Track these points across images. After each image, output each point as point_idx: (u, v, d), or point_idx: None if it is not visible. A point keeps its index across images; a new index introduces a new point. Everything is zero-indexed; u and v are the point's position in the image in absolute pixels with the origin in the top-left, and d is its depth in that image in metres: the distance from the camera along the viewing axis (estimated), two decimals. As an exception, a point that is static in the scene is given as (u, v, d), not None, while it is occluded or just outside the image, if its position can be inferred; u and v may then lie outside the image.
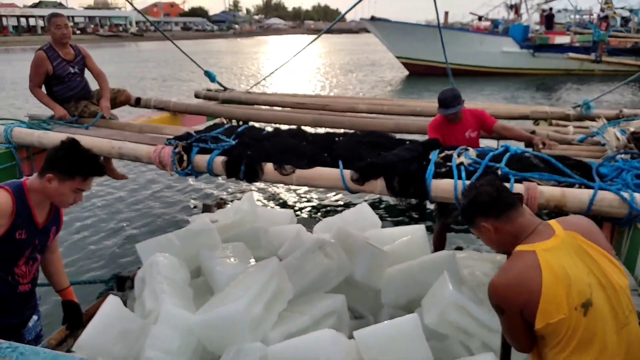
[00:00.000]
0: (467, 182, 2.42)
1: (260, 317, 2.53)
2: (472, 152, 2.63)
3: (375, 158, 2.83)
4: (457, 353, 2.74)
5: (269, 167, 2.95)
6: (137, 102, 5.69)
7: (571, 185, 2.26)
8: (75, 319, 2.60)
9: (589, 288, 1.54)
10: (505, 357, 2.03)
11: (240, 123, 5.08)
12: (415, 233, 3.83)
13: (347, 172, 2.75)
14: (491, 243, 1.77)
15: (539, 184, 2.26)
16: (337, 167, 2.82)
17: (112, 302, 2.77)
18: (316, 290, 3.11)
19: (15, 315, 2.18)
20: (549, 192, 2.22)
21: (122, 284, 3.44)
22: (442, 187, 2.51)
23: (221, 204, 4.93)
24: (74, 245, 5.06)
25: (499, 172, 2.38)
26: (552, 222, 1.70)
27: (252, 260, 3.39)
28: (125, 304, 3.40)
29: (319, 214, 6.04)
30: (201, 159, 3.13)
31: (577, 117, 4.64)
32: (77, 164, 2.06)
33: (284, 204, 6.31)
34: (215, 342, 2.55)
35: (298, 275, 3.13)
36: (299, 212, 6.09)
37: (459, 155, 2.64)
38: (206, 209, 4.69)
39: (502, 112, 4.93)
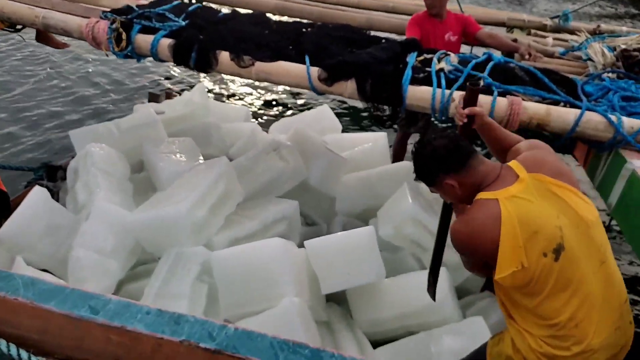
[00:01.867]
0: (447, 92, 2.17)
1: (204, 220, 2.33)
2: (453, 58, 2.34)
3: (347, 56, 2.48)
4: (408, 265, 2.69)
5: (224, 56, 2.54)
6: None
7: (556, 103, 2.06)
8: (2, 208, 2.31)
9: (560, 231, 1.43)
10: (435, 268, 1.97)
11: (193, 1, 4.47)
12: (377, 141, 3.64)
13: (315, 70, 2.40)
14: (456, 199, 1.62)
15: (522, 100, 2.04)
16: (303, 62, 2.46)
17: (39, 193, 2.47)
18: (268, 194, 2.92)
19: None
20: (534, 108, 2.02)
21: (53, 173, 3.10)
22: (419, 95, 2.24)
23: (170, 93, 4.50)
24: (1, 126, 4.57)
25: (482, 82, 2.13)
26: (514, 164, 1.55)
27: (201, 159, 3.11)
28: (56, 196, 3.11)
29: (277, 112, 5.71)
30: (144, 40, 2.66)
31: (554, 29, 4.38)
32: None
33: (239, 99, 5.90)
34: (153, 244, 2.34)
35: (249, 177, 2.91)
36: (255, 109, 5.72)
37: (439, 61, 2.36)
38: (152, 98, 4.26)
39: (479, 15, 4.58)
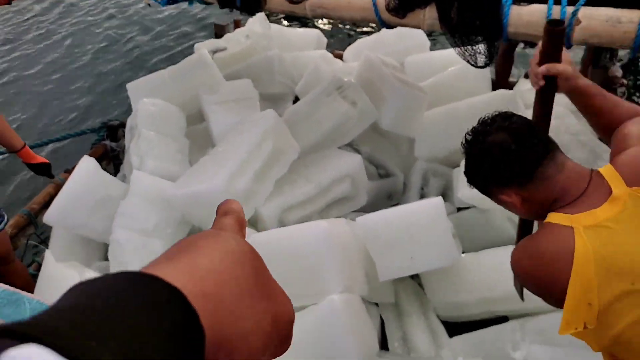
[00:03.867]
0: (569, 10, 1.48)
1: (247, 191, 2.04)
2: None
3: None
4: (500, 228, 2.17)
5: None
6: None
7: None
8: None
9: None
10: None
11: None
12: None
13: None
14: (519, 213, 1.11)
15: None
16: None
17: (86, 164, 2.37)
18: (332, 144, 2.51)
19: None
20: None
21: (115, 132, 3.01)
22: (527, 19, 1.56)
23: (239, 22, 4.07)
24: (64, 93, 4.64)
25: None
26: (607, 172, 0.96)
27: (257, 104, 2.76)
28: (120, 155, 3.04)
29: (357, 29, 5.01)
30: None
31: None
32: None
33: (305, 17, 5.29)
34: (198, 217, 2.13)
35: (308, 125, 2.52)
36: (330, 28, 5.06)
37: None
38: (218, 30, 3.89)
39: None
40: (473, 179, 1.10)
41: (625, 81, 3.07)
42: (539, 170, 0.98)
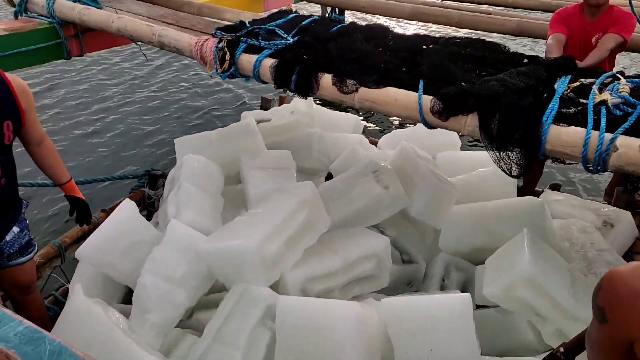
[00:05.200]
0: (607, 136, 1.56)
1: (277, 255, 2.09)
2: (623, 85, 1.68)
3: (472, 82, 1.95)
4: (521, 334, 2.16)
5: (326, 79, 2.23)
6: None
7: None
8: (83, 215, 2.32)
9: None
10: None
11: (329, 9, 4.31)
12: (501, 164, 3.07)
13: (428, 100, 1.96)
14: None
15: None
16: (416, 89, 2.05)
17: (126, 206, 2.47)
18: (360, 223, 2.59)
19: None
20: None
21: (155, 181, 3.16)
22: (565, 138, 1.64)
23: (284, 98, 4.37)
24: (118, 137, 4.90)
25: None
26: None
27: (294, 175, 2.90)
28: (156, 204, 3.16)
29: (392, 122, 5.28)
30: (247, 60, 2.43)
31: None
32: None
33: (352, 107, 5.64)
34: (223, 274, 2.18)
35: (341, 202, 2.62)
36: (368, 117, 5.35)
37: (600, 90, 1.73)
38: (264, 103, 4.17)
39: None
40: None
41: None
42: None
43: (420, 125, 3.57)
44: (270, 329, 1.95)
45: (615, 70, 2.31)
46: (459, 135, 3.60)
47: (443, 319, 1.76)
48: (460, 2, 4.65)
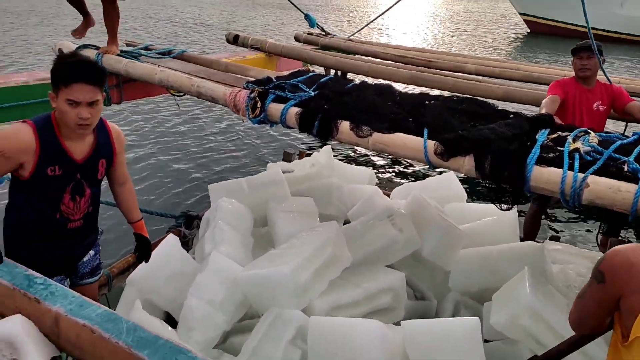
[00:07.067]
0: (580, 176, 1.94)
1: (307, 283, 2.37)
2: (592, 137, 2.07)
3: (467, 131, 2.38)
4: (524, 361, 2.38)
5: (344, 125, 2.64)
6: (235, 40, 5.64)
7: None
8: (144, 252, 2.48)
9: None
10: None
11: (332, 72, 4.81)
12: (504, 214, 3.37)
13: (431, 144, 2.35)
14: None
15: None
16: (421, 135, 2.44)
17: (171, 241, 2.79)
18: (377, 262, 2.87)
19: (69, 250, 2.17)
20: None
21: (191, 222, 3.49)
22: (546, 177, 2.01)
23: (303, 153, 4.79)
24: (153, 178, 5.29)
25: (626, 167, 1.85)
26: None
27: (317, 219, 3.22)
28: (190, 242, 3.47)
29: (403, 176, 5.68)
30: (275, 108, 2.90)
31: None
32: (56, 72, 1.87)
33: (367, 162, 6.04)
34: (258, 300, 2.45)
35: (360, 242, 2.91)
36: (381, 172, 5.78)
37: (574, 140, 2.11)
38: (286, 157, 4.58)
39: (630, 86, 4.11)
40: None
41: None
42: None
43: (430, 179, 3.96)
44: (300, 348, 2.20)
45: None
46: (465, 190, 3.95)
47: (456, 339, 2.02)
48: (452, 71, 5.08)
